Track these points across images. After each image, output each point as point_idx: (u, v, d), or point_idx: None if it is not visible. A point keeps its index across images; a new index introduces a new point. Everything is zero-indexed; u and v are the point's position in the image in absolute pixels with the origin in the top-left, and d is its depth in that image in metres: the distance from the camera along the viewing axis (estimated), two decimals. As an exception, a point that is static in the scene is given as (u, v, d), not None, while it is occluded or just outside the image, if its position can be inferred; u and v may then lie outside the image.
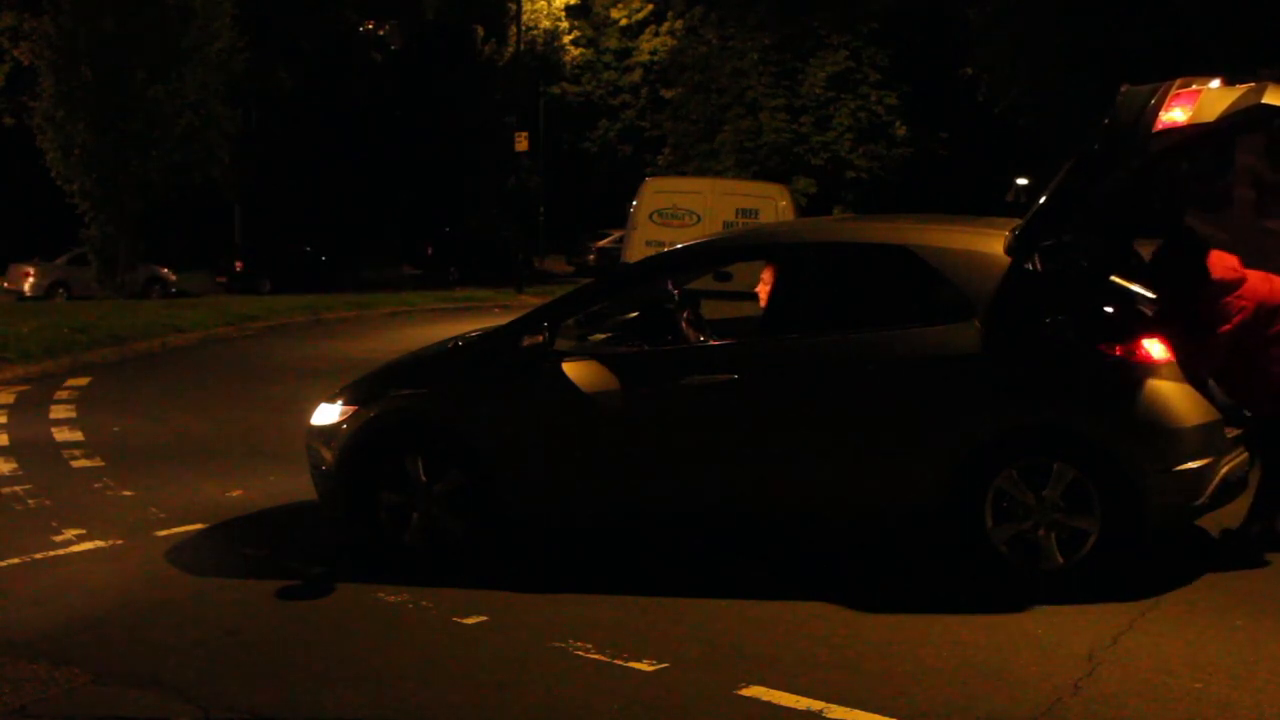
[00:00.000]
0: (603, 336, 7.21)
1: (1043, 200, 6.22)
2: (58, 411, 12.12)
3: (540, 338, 6.54)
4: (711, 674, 5.07)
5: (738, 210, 18.92)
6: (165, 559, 6.98)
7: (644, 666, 5.16)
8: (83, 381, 14.35)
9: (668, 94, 40.43)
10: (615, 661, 5.22)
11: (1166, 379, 5.89)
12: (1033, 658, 5.15)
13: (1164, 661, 5.06)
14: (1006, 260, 6.18)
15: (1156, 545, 6.22)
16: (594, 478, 6.60)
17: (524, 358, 6.58)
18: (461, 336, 7.62)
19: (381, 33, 46.22)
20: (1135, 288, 6.20)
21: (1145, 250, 6.60)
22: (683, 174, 32.50)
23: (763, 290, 7.70)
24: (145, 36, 30.40)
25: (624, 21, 50.64)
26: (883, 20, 33.23)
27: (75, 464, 9.66)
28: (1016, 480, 5.95)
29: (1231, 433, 6.24)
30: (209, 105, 31.75)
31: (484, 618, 5.87)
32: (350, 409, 6.93)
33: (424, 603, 6.11)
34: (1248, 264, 6.53)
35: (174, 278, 35.56)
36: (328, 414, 7.03)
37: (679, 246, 7.78)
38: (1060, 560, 5.91)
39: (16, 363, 15.06)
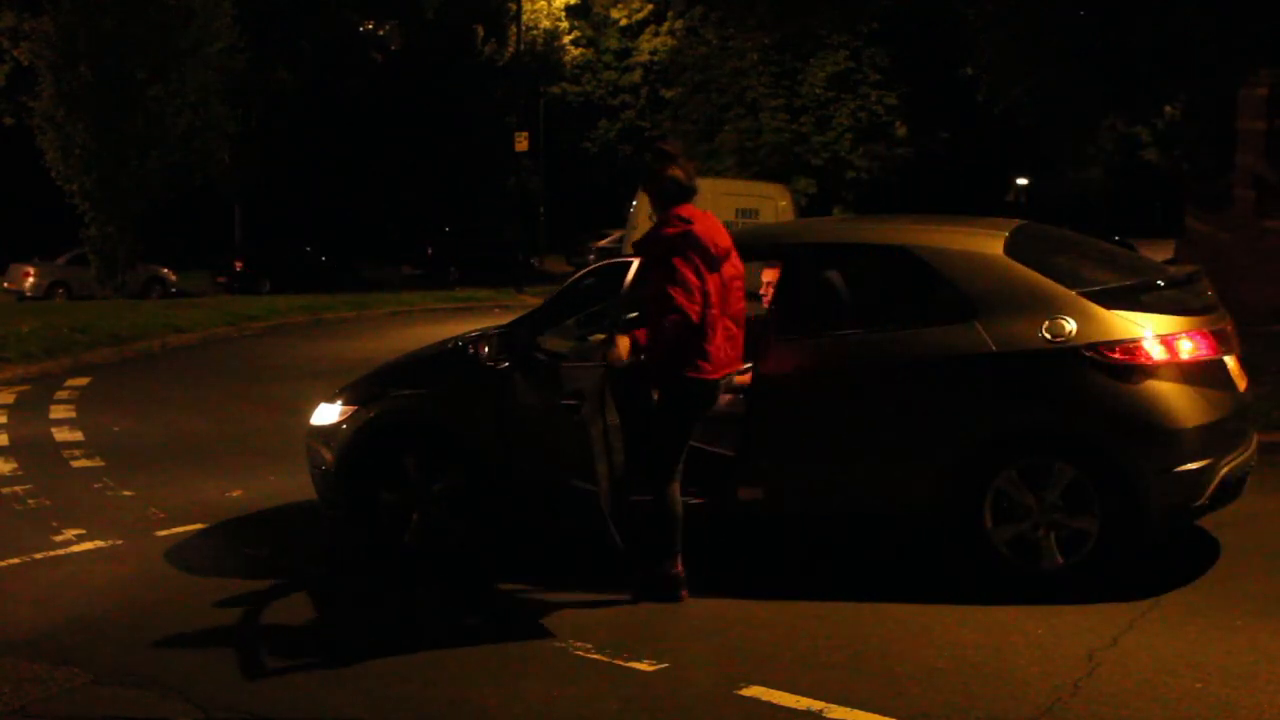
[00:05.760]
0: (603, 337, 7.19)
1: None
2: (58, 411, 12.13)
3: (539, 338, 6.52)
4: (711, 674, 5.07)
5: (738, 210, 18.88)
6: (165, 559, 6.98)
7: (644, 666, 5.15)
8: (83, 381, 14.37)
9: (668, 94, 40.39)
10: (615, 661, 5.22)
11: (1166, 380, 5.88)
12: (1033, 658, 5.14)
13: (1164, 661, 5.05)
14: (1006, 260, 6.18)
15: (1156, 545, 6.22)
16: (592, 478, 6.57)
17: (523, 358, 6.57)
18: (461, 336, 7.62)
19: (381, 33, 46.27)
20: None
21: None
22: (683, 174, 32.38)
23: (767, 292, 7.68)
24: (145, 36, 30.40)
25: (624, 21, 50.61)
26: (883, 20, 33.20)
27: (75, 464, 9.66)
28: (1016, 481, 5.93)
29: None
30: (209, 105, 31.76)
31: (485, 618, 5.87)
32: (350, 409, 6.94)
33: (424, 603, 6.10)
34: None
35: (174, 278, 35.55)
36: (328, 414, 7.04)
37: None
38: (1060, 560, 5.90)
39: (16, 363, 15.09)
